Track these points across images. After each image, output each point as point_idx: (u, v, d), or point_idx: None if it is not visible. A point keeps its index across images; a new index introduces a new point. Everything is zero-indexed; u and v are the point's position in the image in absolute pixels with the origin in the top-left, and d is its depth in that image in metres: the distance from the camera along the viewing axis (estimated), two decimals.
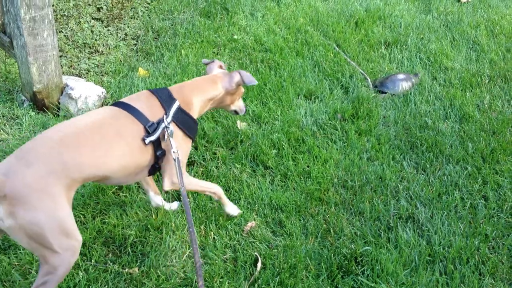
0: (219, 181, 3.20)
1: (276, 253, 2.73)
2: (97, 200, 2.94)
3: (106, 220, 2.80)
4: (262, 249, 2.75)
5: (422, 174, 3.33)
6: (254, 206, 3.05)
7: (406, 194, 3.16)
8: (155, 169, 2.49)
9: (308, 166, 3.37)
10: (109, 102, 3.88)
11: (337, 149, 3.51)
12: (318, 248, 2.79)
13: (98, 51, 4.46)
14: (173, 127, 2.44)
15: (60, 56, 4.24)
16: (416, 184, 3.22)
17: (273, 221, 3.00)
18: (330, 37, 4.86)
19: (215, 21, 5.09)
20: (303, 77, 4.24)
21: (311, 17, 5.19)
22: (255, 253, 2.72)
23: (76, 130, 2.19)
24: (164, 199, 3.00)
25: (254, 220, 2.97)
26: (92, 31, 4.58)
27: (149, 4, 5.34)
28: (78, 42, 4.43)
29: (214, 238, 2.80)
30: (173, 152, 2.38)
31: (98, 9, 4.88)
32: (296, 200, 3.11)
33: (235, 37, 4.82)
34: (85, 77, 4.10)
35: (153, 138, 2.35)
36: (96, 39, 4.52)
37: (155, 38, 4.86)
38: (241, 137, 3.55)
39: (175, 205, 2.99)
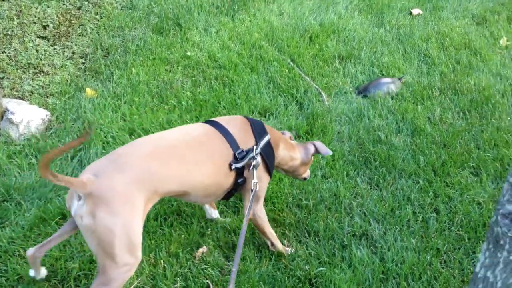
0: (170, 204, 3.13)
1: (229, 279, 2.67)
2: (38, 232, 2.82)
3: (47, 253, 2.68)
4: (215, 276, 2.68)
5: (376, 189, 3.34)
6: (207, 230, 2.99)
7: (360, 210, 3.16)
8: (230, 195, 2.54)
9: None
10: (54, 126, 3.75)
11: None
12: (272, 271, 2.75)
13: (43, 71, 4.31)
14: (260, 159, 2.49)
15: (2, 78, 4.08)
16: (369, 200, 3.23)
17: (226, 245, 2.95)
18: (284, 52, 4.86)
19: (167, 38, 5.02)
20: (258, 94, 4.22)
21: (266, 32, 5.19)
22: (207, 281, 2.65)
23: (169, 143, 2.25)
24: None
25: (207, 244, 2.90)
26: (37, 50, 4.43)
27: (98, 20, 5.23)
28: (21, 62, 4.28)
29: (164, 266, 2.71)
30: (253, 183, 2.44)
31: (44, 27, 4.73)
32: (250, 223, 3.06)
33: (189, 53, 4.76)
34: (28, 100, 3.95)
35: (239, 165, 2.40)
36: (41, 59, 4.37)
37: (105, 56, 4.76)
38: None
39: (228, 220, 3.00)
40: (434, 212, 3.16)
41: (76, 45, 4.73)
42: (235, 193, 2.55)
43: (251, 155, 2.43)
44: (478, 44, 5.00)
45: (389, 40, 5.15)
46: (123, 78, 4.41)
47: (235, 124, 2.49)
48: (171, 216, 3.07)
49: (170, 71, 4.57)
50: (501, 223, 1.53)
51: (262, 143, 2.50)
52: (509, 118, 3.97)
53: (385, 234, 2.99)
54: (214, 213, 3.00)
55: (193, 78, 4.44)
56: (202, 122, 2.53)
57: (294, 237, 3.00)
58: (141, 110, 4.02)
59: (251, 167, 2.44)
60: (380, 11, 5.80)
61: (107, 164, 2.06)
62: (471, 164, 3.49)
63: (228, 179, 2.41)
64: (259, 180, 2.49)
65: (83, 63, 4.60)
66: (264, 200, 2.93)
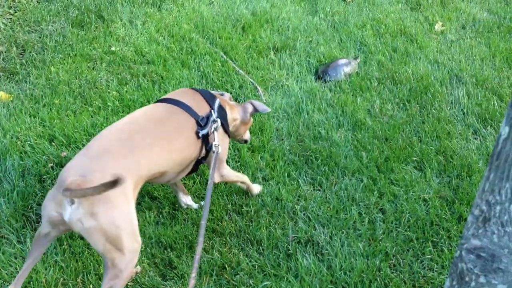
0: None
1: None
2: None
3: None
4: None
5: (319, 190, 3.17)
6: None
7: (304, 214, 2.98)
8: (198, 165, 2.62)
9: (199, 194, 3.07)
10: None
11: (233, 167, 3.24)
12: None
13: None
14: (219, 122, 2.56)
15: None
16: (313, 202, 3.05)
17: (162, 262, 2.68)
18: (217, 44, 4.58)
19: (89, 32, 4.60)
20: None
21: (196, 23, 4.88)
22: None
23: (141, 127, 2.28)
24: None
25: (140, 263, 2.62)
26: None
27: (12, 15, 4.72)
28: None
29: None
30: (215, 145, 2.50)
31: None
32: (187, 234, 2.80)
33: (113, 49, 4.38)
34: None
35: (205, 131, 2.48)
36: None
37: (20, 54, 4.29)
38: None
39: (195, 205, 2.97)
40: (380, 212, 3.03)
41: None
42: (204, 161, 2.62)
43: (212, 118, 2.52)
44: (413, 30, 4.94)
45: (324, 28, 4.99)
46: (41, 78, 3.99)
47: (187, 95, 2.59)
48: None
49: (93, 69, 4.18)
50: (465, 259, 1.37)
51: (216, 107, 2.59)
52: (449, 108, 3.91)
53: (331, 239, 2.83)
54: (188, 200, 2.94)
55: (119, 76, 4.07)
56: (154, 103, 2.59)
57: (236, 247, 2.77)
58: (62, 113, 3.63)
59: (212, 130, 2.52)
60: None
61: (90, 161, 2.05)
62: (414, 158, 3.39)
63: (197, 149, 2.50)
64: (221, 142, 2.57)
65: None
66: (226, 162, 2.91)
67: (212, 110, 2.57)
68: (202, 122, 2.49)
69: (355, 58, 4.43)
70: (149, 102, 3.75)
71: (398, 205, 3.06)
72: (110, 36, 4.55)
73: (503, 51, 4.64)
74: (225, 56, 4.40)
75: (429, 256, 2.75)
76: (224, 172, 2.73)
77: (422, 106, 3.93)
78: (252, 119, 3.00)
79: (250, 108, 2.88)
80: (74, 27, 4.67)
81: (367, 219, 2.96)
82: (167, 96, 2.63)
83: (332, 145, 3.49)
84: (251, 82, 4.11)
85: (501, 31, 5.01)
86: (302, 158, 3.38)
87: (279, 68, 4.35)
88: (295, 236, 2.84)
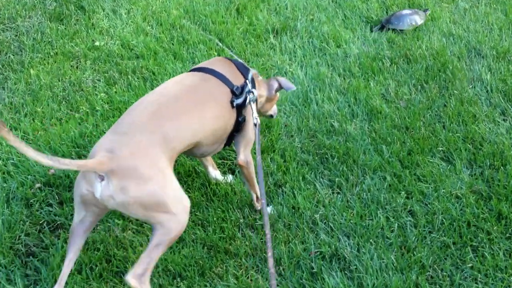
0: (95, 247, 2.49)
1: None
2: None
3: None
4: None
5: (339, 193, 2.84)
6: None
7: (325, 224, 2.66)
8: (231, 139, 2.51)
9: (206, 207, 2.75)
10: None
11: (240, 177, 2.91)
12: None
13: None
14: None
15: None
16: (333, 208, 2.73)
17: None
18: (210, 31, 4.18)
19: (69, 26, 4.19)
20: None
21: (186, 7, 4.47)
22: None
23: (170, 98, 2.20)
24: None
25: None
26: None
27: None
28: None
29: None
30: (255, 118, 2.43)
31: None
32: (197, 258, 2.49)
33: (97, 43, 3.98)
34: None
35: (240, 100, 2.39)
36: None
37: None
38: None
39: (230, 177, 2.90)
40: (410, 215, 2.71)
41: None
42: (236, 135, 2.50)
43: (247, 89, 2.44)
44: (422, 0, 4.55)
45: (326, 4, 4.58)
46: (21, 84, 3.61)
47: (221, 64, 2.49)
48: (98, 265, 2.44)
49: (77, 68, 3.80)
50: None
51: (250, 78, 2.50)
52: (471, 86, 3.56)
53: (359, 251, 2.52)
54: (217, 174, 2.86)
55: (106, 74, 3.69)
56: (188, 71, 2.50)
57: (253, 269, 2.47)
58: (46, 123, 3.27)
59: (248, 102, 2.44)
60: None
61: (119, 138, 2.01)
62: (440, 148, 3.06)
63: (231, 119, 2.40)
64: (251, 116, 2.47)
65: None
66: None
67: (247, 81, 2.48)
68: (237, 91, 2.39)
69: (425, 11, 4.29)
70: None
71: (428, 205, 2.74)
72: (93, 29, 4.14)
73: None
74: (220, 44, 4.01)
75: (470, 264, 2.44)
76: (248, 157, 2.56)
77: (442, 86, 3.58)
78: (278, 94, 2.84)
79: (275, 85, 2.76)
80: (53, 21, 4.25)
81: (396, 224, 2.64)
82: (200, 65, 2.54)
83: (348, 139, 3.15)
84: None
85: None
86: (316, 157, 3.04)
87: (281, 53, 3.98)
88: (317, 251, 2.53)
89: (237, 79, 2.46)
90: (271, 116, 2.97)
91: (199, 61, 3.79)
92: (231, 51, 3.94)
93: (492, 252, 2.49)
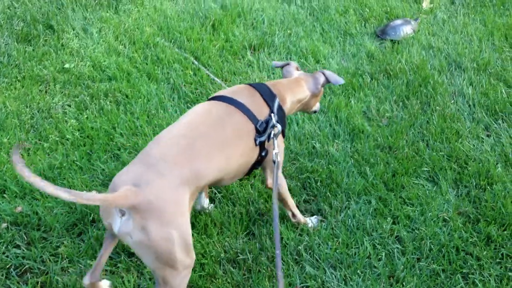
0: None
1: None
2: None
3: None
4: None
5: (323, 221, 2.73)
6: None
7: (310, 255, 2.55)
8: (253, 170, 2.39)
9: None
10: None
11: (219, 207, 2.79)
12: None
13: None
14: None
15: None
16: (318, 238, 2.62)
17: None
18: (185, 48, 4.05)
19: (38, 47, 4.02)
20: (161, 110, 3.42)
21: (159, 24, 4.33)
22: None
23: (199, 132, 2.07)
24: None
25: None
26: None
27: None
28: None
29: None
30: (274, 153, 2.29)
31: None
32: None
33: (67, 65, 3.82)
34: None
35: (263, 138, 2.27)
36: None
37: None
38: (91, 215, 2.67)
39: (212, 206, 2.81)
40: (397, 241, 2.62)
41: None
42: (258, 167, 2.40)
43: (271, 124, 2.29)
44: (400, 11, 4.49)
45: (303, 17, 4.49)
46: None
47: (245, 94, 2.32)
48: None
49: (46, 92, 3.63)
50: None
51: (275, 108, 2.35)
52: (452, 101, 3.50)
53: (346, 284, 2.41)
54: (205, 202, 2.76)
55: (77, 99, 3.53)
56: (208, 100, 2.32)
57: None
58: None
59: (271, 137, 2.30)
60: None
61: (145, 170, 1.87)
62: (425, 169, 2.98)
63: (254, 154, 2.29)
64: (278, 147, 2.33)
65: None
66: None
67: (272, 114, 2.31)
68: (260, 128, 2.26)
69: (415, 19, 4.34)
70: (114, 129, 3.24)
71: (415, 230, 2.65)
72: (62, 50, 3.98)
73: (500, 28, 4.23)
74: (196, 62, 3.88)
75: None
76: (280, 180, 2.46)
77: (424, 102, 3.50)
78: (323, 89, 2.70)
79: (321, 79, 2.62)
80: (20, 42, 4.08)
81: (383, 252, 2.54)
82: (224, 92, 2.35)
83: (331, 161, 3.04)
84: None
85: (494, 4, 4.60)
86: (298, 183, 2.93)
87: (259, 70, 3.86)
88: (303, 286, 2.42)
89: (262, 111, 2.30)
90: (314, 111, 2.82)
91: (175, 82, 3.66)
92: (207, 69, 3.81)
93: (483, 279, 2.41)
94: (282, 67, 2.74)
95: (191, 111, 2.24)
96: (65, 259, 2.48)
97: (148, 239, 1.79)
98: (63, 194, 1.58)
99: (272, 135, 2.29)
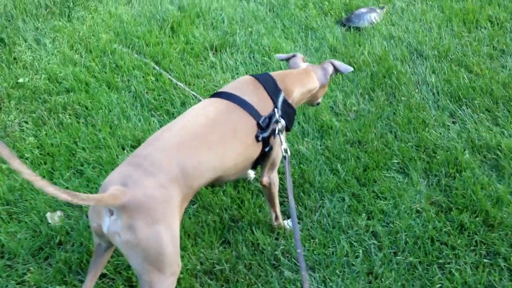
0: None
1: None
2: None
3: None
4: None
5: (299, 222, 2.70)
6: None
7: (288, 260, 2.51)
8: (257, 164, 2.35)
9: None
10: None
11: (189, 217, 2.72)
12: None
13: None
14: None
15: None
16: (294, 240, 2.58)
17: None
18: (145, 54, 3.94)
19: None
20: (124, 120, 3.31)
21: (116, 29, 4.20)
22: None
23: (193, 132, 2.03)
24: None
25: None
26: None
27: None
28: None
29: None
30: (283, 149, 2.25)
31: None
32: None
33: (21, 80, 3.66)
34: None
35: (266, 134, 2.22)
36: None
37: None
38: (57, 237, 2.56)
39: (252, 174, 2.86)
40: (373, 236, 2.61)
41: None
42: (262, 162, 2.36)
43: (274, 119, 2.24)
44: (359, 2, 4.48)
45: (263, 14, 4.44)
46: None
47: (248, 89, 2.26)
48: None
49: (0, 110, 3.46)
50: None
51: (280, 103, 2.29)
52: (417, 90, 3.51)
53: (326, 286, 2.39)
54: (251, 173, 2.82)
55: (34, 115, 3.38)
56: (210, 97, 2.27)
57: None
58: None
59: (276, 132, 2.26)
60: None
61: (134, 170, 1.85)
62: (395, 161, 2.98)
63: (256, 151, 2.24)
64: (284, 143, 2.28)
65: None
66: None
67: (275, 109, 2.26)
68: (263, 124, 2.20)
69: (381, 8, 4.36)
70: (76, 144, 3.13)
71: (390, 224, 2.65)
72: (15, 64, 3.81)
73: (457, 13, 4.27)
74: (157, 68, 3.78)
75: (439, 285, 2.36)
76: (274, 178, 2.43)
77: (389, 93, 3.51)
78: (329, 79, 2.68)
79: (330, 70, 2.60)
80: None
81: (360, 250, 2.53)
82: (225, 88, 2.30)
83: (302, 161, 3.01)
84: (194, 95, 3.53)
85: None
86: None
87: (222, 71, 3.79)
88: None
89: (266, 105, 2.25)
90: (318, 104, 2.78)
91: (136, 90, 3.56)
92: (169, 74, 3.72)
93: (459, 268, 2.42)
94: (287, 59, 2.69)
95: (188, 110, 2.20)
96: (32, 287, 2.37)
97: (135, 238, 1.76)
98: (63, 195, 1.56)
99: (277, 131, 2.25)
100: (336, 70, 2.62)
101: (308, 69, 2.57)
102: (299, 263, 1.94)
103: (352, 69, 2.63)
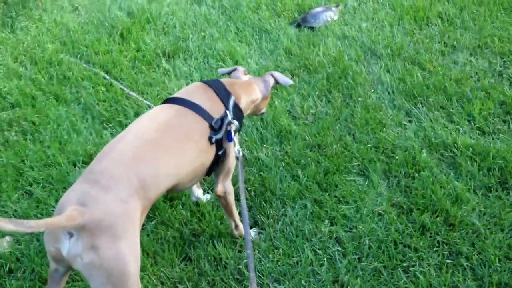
0: None
1: None
2: None
3: None
4: None
5: (261, 232, 2.64)
6: None
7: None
8: (211, 171, 2.33)
9: None
10: None
11: (147, 234, 2.61)
12: None
13: None
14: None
15: None
16: (258, 252, 2.52)
17: None
18: (94, 63, 3.79)
19: None
20: (74, 134, 3.16)
21: (62, 38, 4.02)
22: None
23: (147, 138, 1.98)
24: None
25: None
26: None
27: None
28: None
29: None
30: (238, 150, 2.30)
31: None
32: None
33: None
34: None
35: (219, 135, 2.22)
36: None
37: None
38: (7, 265, 2.41)
39: (207, 196, 2.81)
40: (337, 243, 2.58)
41: None
42: (217, 168, 2.34)
43: (227, 121, 2.25)
44: (312, 2, 4.46)
45: (216, 18, 4.35)
46: None
47: (199, 93, 2.28)
48: None
49: None
50: None
51: (231, 106, 2.31)
52: (372, 90, 3.51)
53: None
54: (199, 193, 2.76)
55: None
56: (162, 103, 2.26)
57: None
58: None
59: (233, 134, 2.27)
60: None
61: (91, 187, 1.78)
62: (355, 163, 2.97)
63: (210, 155, 2.23)
64: (232, 149, 2.30)
65: None
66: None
67: (227, 111, 2.27)
68: (216, 125, 2.20)
69: (336, 6, 4.36)
70: (23, 163, 2.96)
71: (353, 229, 2.62)
72: None
73: (408, 11, 4.31)
74: (108, 77, 3.64)
75: None
76: (228, 187, 2.41)
77: (346, 94, 3.50)
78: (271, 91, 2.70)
79: (271, 82, 2.63)
80: None
81: (325, 258, 2.50)
82: (177, 94, 2.32)
83: (262, 168, 2.96)
84: (147, 104, 3.42)
85: None
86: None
87: (176, 78, 3.69)
88: None
89: (217, 109, 2.26)
90: (262, 113, 2.81)
91: (86, 102, 3.41)
92: (121, 84, 3.59)
93: (423, 270, 2.42)
94: (229, 73, 2.71)
95: (139, 118, 2.18)
96: None
97: (98, 258, 1.69)
98: (5, 224, 1.45)
99: (232, 133, 2.26)
100: (276, 81, 2.64)
101: (251, 81, 2.60)
102: (248, 265, 1.94)
103: (292, 82, 2.69)
